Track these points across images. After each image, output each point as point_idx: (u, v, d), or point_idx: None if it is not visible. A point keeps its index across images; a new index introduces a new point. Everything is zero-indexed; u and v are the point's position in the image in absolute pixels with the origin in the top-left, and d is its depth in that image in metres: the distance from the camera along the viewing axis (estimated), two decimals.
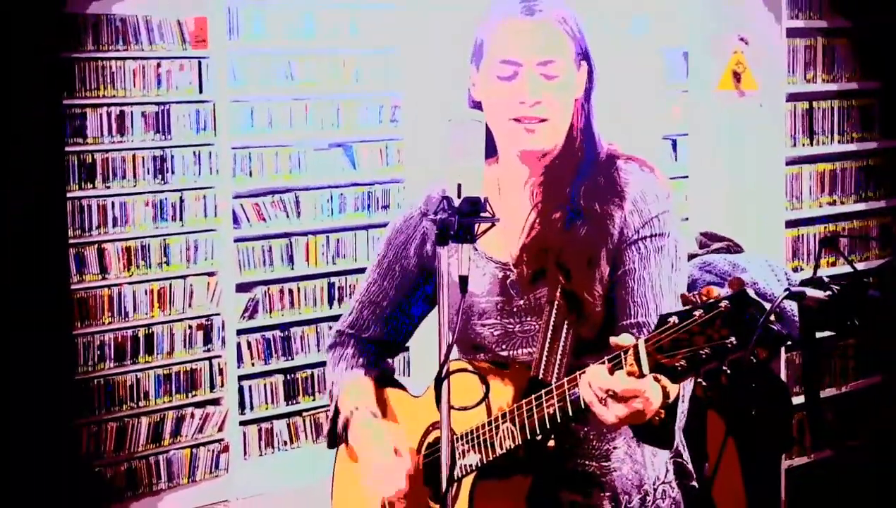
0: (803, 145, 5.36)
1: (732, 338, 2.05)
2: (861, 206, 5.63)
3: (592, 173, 2.64)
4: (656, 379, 2.22)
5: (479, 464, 2.54)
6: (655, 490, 2.72)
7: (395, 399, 2.91)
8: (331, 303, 7.42)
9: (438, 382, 2.38)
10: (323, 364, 7.04)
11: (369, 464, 2.75)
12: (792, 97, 5.31)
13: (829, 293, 1.92)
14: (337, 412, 2.91)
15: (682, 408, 2.46)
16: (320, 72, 7.37)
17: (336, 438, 2.93)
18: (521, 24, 2.60)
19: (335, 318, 7.11)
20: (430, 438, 2.74)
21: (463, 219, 2.35)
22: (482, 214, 2.37)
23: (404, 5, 6.71)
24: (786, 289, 1.89)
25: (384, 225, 7.30)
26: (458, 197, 2.37)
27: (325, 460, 7.05)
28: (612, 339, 2.26)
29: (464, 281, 2.36)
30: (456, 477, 2.59)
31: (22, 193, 5.76)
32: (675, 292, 2.58)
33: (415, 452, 2.75)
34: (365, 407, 2.83)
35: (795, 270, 5.26)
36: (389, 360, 3.02)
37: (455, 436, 2.63)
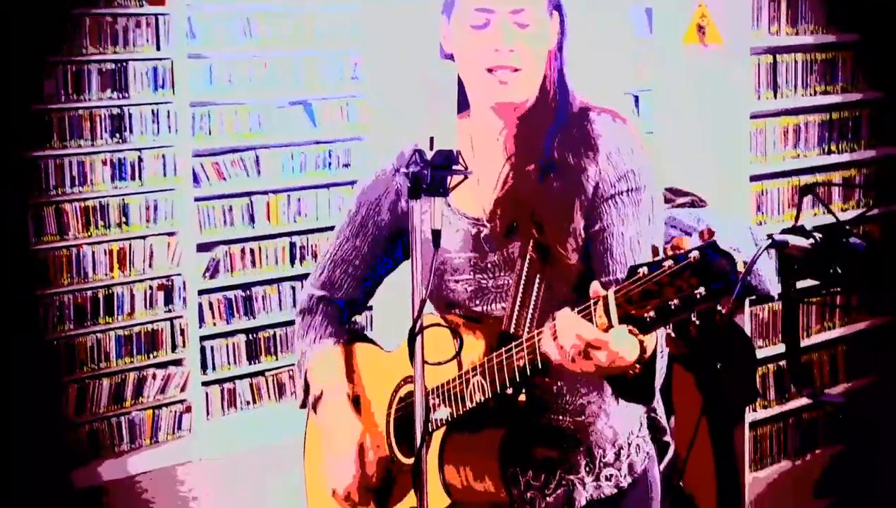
0: (767, 99, 5.34)
1: (701, 289, 2.02)
2: (824, 160, 5.62)
3: (566, 126, 2.61)
4: (632, 333, 2.19)
5: (450, 418, 2.51)
6: (629, 444, 2.71)
7: (366, 354, 2.89)
8: (292, 263, 7.38)
9: (412, 337, 2.35)
10: (285, 324, 7.21)
11: (330, 455, 2.78)
12: (756, 51, 5.29)
13: (811, 241, 1.89)
14: (307, 385, 2.91)
15: (661, 365, 2.44)
16: (280, 29, 7.29)
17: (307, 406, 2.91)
18: None
19: (297, 278, 7.26)
20: (402, 392, 2.72)
21: (435, 172, 2.32)
22: (455, 167, 2.34)
23: None
24: (769, 237, 1.86)
25: (346, 183, 7.41)
26: (431, 149, 2.33)
27: (288, 419, 7.09)
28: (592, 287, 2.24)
29: (436, 235, 2.33)
30: (428, 432, 2.58)
31: None
32: (652, 247, 2.56)
33: (378, 447, 2.75)
34: (335, 389, 2.83)
35: (759, 224, 5.25)
36: (357, 318, 2.99)
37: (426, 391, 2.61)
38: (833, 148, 5.65)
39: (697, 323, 2.09)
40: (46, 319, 6.37)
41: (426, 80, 2.38)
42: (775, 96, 5.38)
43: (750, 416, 5.29)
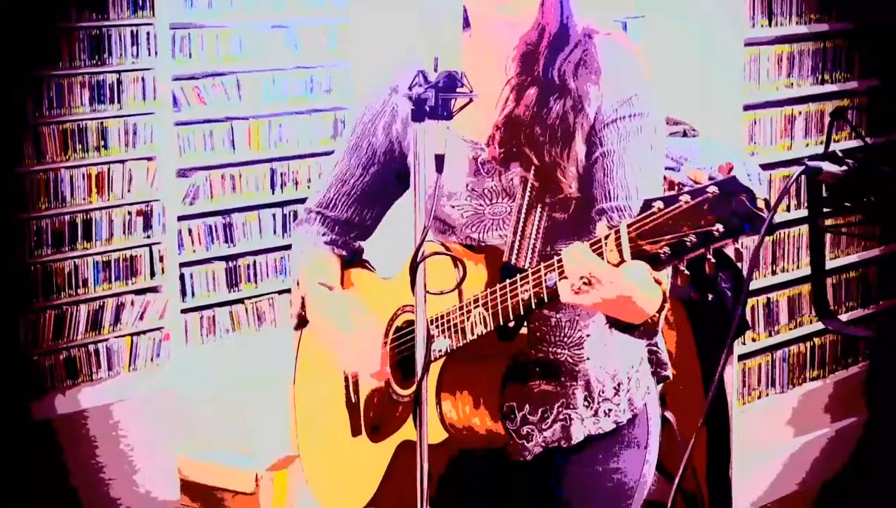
0: (762, 26, 5.25)
1: (719, 226, 1.94)
2: (818, 89, 5.55)
3: (568, 48, 2.52)
4: (657, 282, 2.12)
5: (449, 350, 2.44)
6: (629, 379, 2.64)
7: (363, 280, 2.81)
8: (273, 189, 7.30)
9: (413, 266, 2.26)
10: (266, 250, 7.13)
11: (334, 342, 2.66)
12: None
13: (844, 168, 1.81)
14: (298, 285, 2.81)
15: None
16: None
17: (300, 319, 2.81)
18: None
19: (278, 205, 7.19)
20: (399, 321, 2.64)
21: (440, 94, 2.23)
22: (459, 89, 2.25)
23: None
24: (802, 164, 1.78)
25: (327, 109, 7.30)
26: (435, 70, 2.24)
27: (267, 347, 7.02)
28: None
29: (440, 159, 2.24)
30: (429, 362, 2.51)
31: None
32: (655, 174, 2.49)
33: (380, 321, 2.65)
34: (324, 282, 2.73)
35: (752, 154, 5.18)
36: (358, 243, 2.90)
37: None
38: (827, 77, 5.56)
39: (713, 260, 2.01)
40: (22, 244, 6.28)
41: None
42: (770, 24, 5.28)
43: (739, 349, 5.24)
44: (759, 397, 5.44)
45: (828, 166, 1.86)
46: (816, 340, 5.67)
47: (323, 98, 7.45)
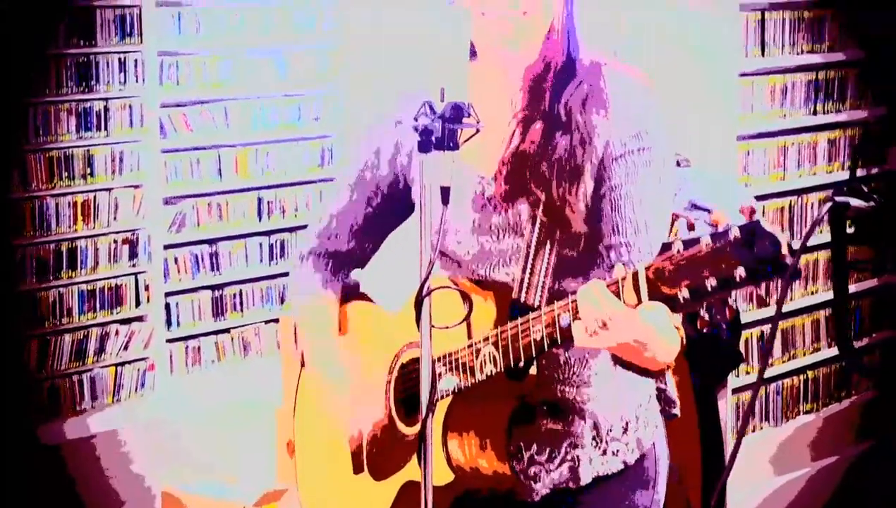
0: (755, 56, 5.23)
1: (741, 271, 1.89)
2: (810, 120, 5.53)
3: (574, 82, 2.48)
4: (677, 328, 2.07)
5: (457, 389, 2.39)
6: (637, 418, 2.60)
7: (364, 314, 2.76)
8: (260, 217, 7.23)
9: (419, 300, 2.21)
10: (252, 280, 7.05)
11: (335, 394, 2.65)
12: (744, 7, 5.18)
13: (872, 204, 1.76)
14: (297, 334, 2.78)
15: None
16: None
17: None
18: None
19: (265, 233, 7.12)
20: (404, 358, 2.59)
21: (446, 125, 2.18)
22: (466, 120, 2.20)
23: None
24: (829, 201, 1.73)
25: (315, 137, 7.24)
26: (442, 101, 2.19)
27: (253, 378, 6.95)
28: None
29: (446, 192, 2.20)
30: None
31: None
32: (664, 208, 2.44)
33: (382, 375, 2.61)
34: (321, 337, 2.72)
35: (745, 185, 5.15)
36: (358, 272, 2.85)
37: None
38: (819, 108, 5.54)
39: (734, 306, 1.97)
40: (8, 272, 6.21)
41: (436, 26, 2.23)
42: (762, 54, 5.26)
43: (732, 382, 5.20)
44: (754, 430, 5.40)
45: (855, 202, 1.81)
46: (810, 373, 5.65)
47: (311, 126, 7.40)
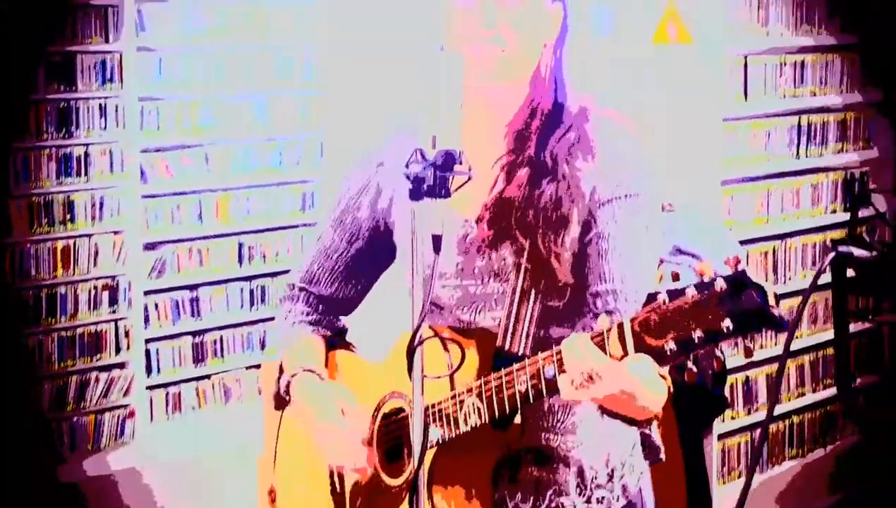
0: (737, 101, 5.24)
1: (728, 322, 1.87)
2: (794, 165, 5.54)
3: (561, 129, 2.47)
4: (663, 377, 2.05)
5: (441, 440, 2.36)
6: (623, 464, 2.58)
7: (348, 363, 2.73)
8: (241, 263, 7.19)
9: (411, 349, 2.18)
10: (233, 326, 7.00)
11: (319, 432, 2.59)
12: (727, 53, 5.18)
13: (874, 253, 1.75)
14: (282, 371, 2.73)
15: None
16: (232, 22, 7.06)
17: (281, 400, 2.73)
18: None
19: (246, 279, 7.08)
20: (386, 408, 2.57)
21: (438, 173, 2.16)
22: (458, 167, 2.18)
23: None
24: (832, 252, 1.72)
25: (297, 182, 7.21)
26: (433, 148, 2.17)
27: (234, 425, 6.89)
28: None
29: (437, 240, 2.17)
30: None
31: None
32: (651, 256, 2.43)
33: (366, 414, 2.57)
34: (309, 369, 2.66)
35: (729, 229, 5.15)
36: (342, 320, 2.82)
37: (412, 409, 2.46)
38: (802, 152, 5.55)
39: (722, 357, 1.95)
40: None
41: (427, 72, 2.22)
42: (745, 99, 5.27)
43: (718, 427, 5.18)
44: (739, 476, 5.37)
45: (858, 251, 1.79)
46: (795, 418, 5.63)
47: (292, 170, 7.37)
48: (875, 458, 5.36)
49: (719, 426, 5.20)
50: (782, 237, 5.50)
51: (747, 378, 5.35)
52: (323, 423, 2.56)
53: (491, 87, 2.45)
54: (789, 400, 5.56)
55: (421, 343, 2.18)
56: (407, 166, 2.19)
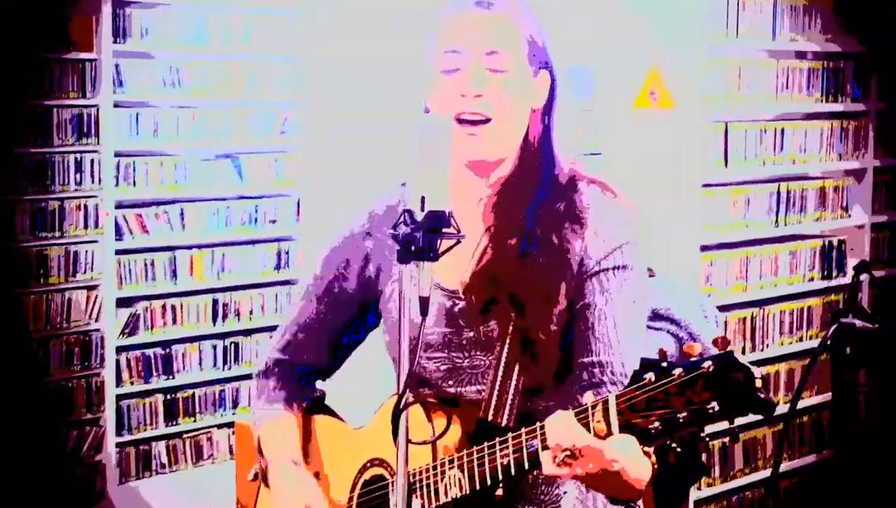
0: (718, 167, 5.24)
1: (715, 404, 1.84)
2: (773, 232, 5.54)
3: (551, 196, 2.45)
4: (647, 455, 2.02)
5: None
6: None
7: (328, 429, 2.69)
8: (214, 320, 7.13)
9: (396, 413, 2.14)
10: (206, 383, 6.94)
11: None
12: (709, 118, 5.18)
13: (875, 325, 1.72)
14: (260, 452, 2.71)
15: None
16: (209, 79, 7.05)
17: (263, 477, 2.70)
18: (470, 15, 2.43)
19: (219, 336, 7.02)
20: (367, 475, 2.53)
21: (427, 235, 2.13)
22: (446, 230, 2.15)
23: (301, 13, 6.48)
24: (835, 323, 1.69)
25: (272, 240, 7.18)
26: (422, 210, 2.14)
27: (205, 483, 6.82)
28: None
29: (425, 302, 2.14)
30: None
31: None
32: (638, 329, 2.41)
33: (345, 492, 2.56)
34: (284, 455, 2.65)
35: (708, 295, 5.13)
36: (320, 385, 2.79)
37: (393, 478, 2.42)
38: (780, 220, 5.55)
39: (706, 439, 1.92)
40: None
41: (416, 134, 2.19)
42: (726, 165, 5.27)
43: (694, 494, 5.14)
44: None
45: (859, 323, 1.77)
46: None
47: (267, 229, 7.33)
48: None
49: (695, 493, 5.15)
50: (760, 304, 5.48)
51: (724, 444, 5.31)
52: None
53: (477, 160, 2.43)
54: (765, 467, 5.52)
55: (407, 407, 2.14)
56: (395, 228, 2.16)
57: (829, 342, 1.69)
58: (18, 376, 6.14)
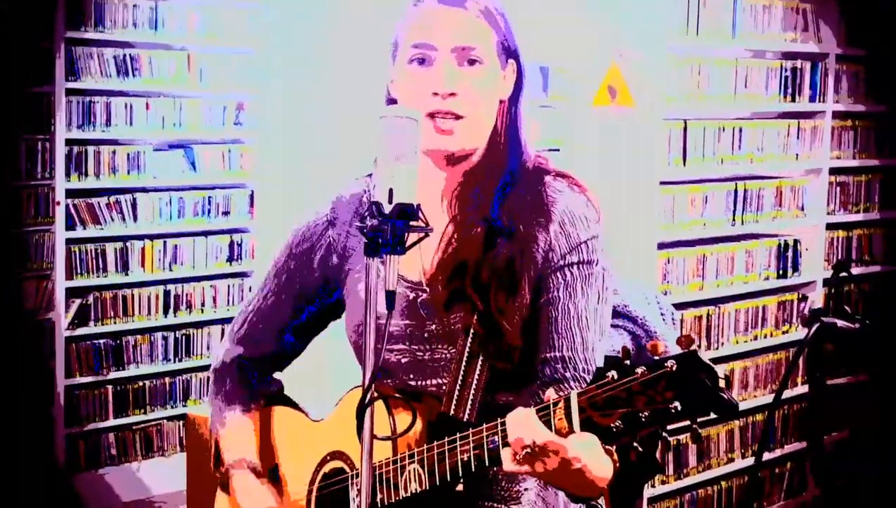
0: (676, 165, 5.23)
1: (677, 404, 1.83)
2: (729, 230, 5.54)
3: (517, 187, 2.42)
4: (609, 453, 1.99)
5: (380, 505, 2.30)
6: None
7: (287, 421, 2.67)
8: (166, 312, 7.07)
9: (361, 407, 2.11)
10: (157, 375, 6.88)
11: None
12: (668, 115, 5.18)
13: (857, 325, 1.71)
14: (217, 453, 2.70)
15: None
16: (163, 69, 6.98)
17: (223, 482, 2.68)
18: (438, 10, 2.39)
19: (171, 328, 6.95)
20: (327, 468, 2.50)
21: (395, 228, 2.09)
22: (414, 223, 2.12)
23: (257, 3, 6.44)
24: (816, 323, 1.67)
25: (224, 231, 7.13)
26: (390, 202, 2.11)
27: (153, 476, 6.76)
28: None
29: (391, 296, 2.11)
30: None
31: None
32: (602, 326, 2.38)
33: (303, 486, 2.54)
34: (242, 463, 2.64)
35: (665, 293, 5.13)
36: (278, 376, 2.75)
37: (353, 472, 2.39)
38: (738, 219, 5.56)
39: (668, 438, 1.90)
40: None
41: (380, 126, 2.16)
42: (684, 163, 5.26)
43: (648, 491, 5.14)
44: None
45: (842, 323, 1.75)
46: (724, 483, 5.61)
47: (220, 220, 7.27)
48: None
49: (649, 490, 5.16)
50: (716, 302, 5.49)
51: (678, 441, 5.32)
52: None
53: (448, 152, 2.40)
54: (719, 465, 5.53)
55: (372, 402, 2.11)
56: (362, 221, 2.12)
57: (809, 342, 1.67)
58: None
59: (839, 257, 5.97)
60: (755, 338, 5.66)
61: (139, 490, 6.62)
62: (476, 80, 2.37)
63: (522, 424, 2.02)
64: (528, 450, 2.01)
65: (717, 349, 5.44)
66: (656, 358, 1.86)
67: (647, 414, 1.86)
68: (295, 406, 2.71)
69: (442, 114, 2.35)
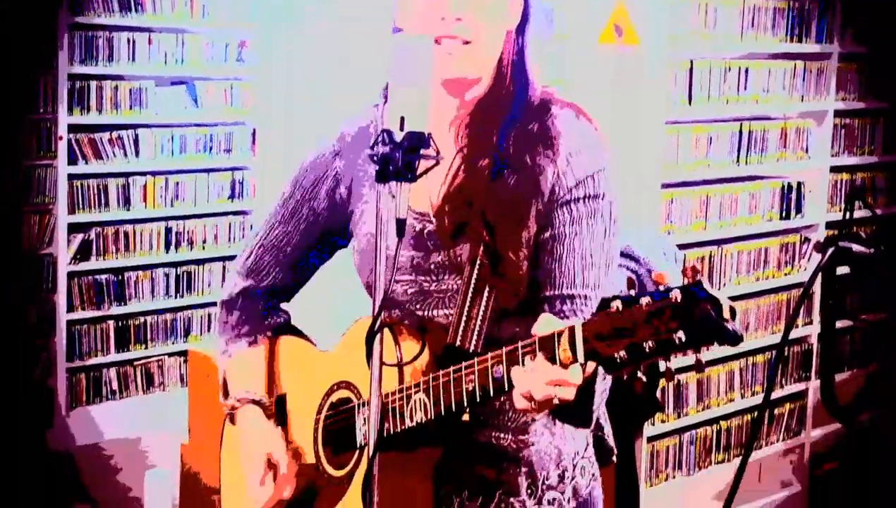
0: (682, 104, 5.21)
1: (681, 334, 1.82)
2: (733, 171, 5.53)
3: (524, 118, 2.39)
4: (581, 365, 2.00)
5: (385, 434, 2.29)
6: (574, 465, 2.52)
7: (294, 351, 2.67)
8: (167, 248, 7.08)
9: (371, 334, 2.11)
10: (158, 311, 6.89)
11: (247, 467, 2.61)
12: (674, 55, 5.15)
13: (872, 249, 1.70)
14: (225, 386, 2.71)
15: (604, 386, 2.23)
16: (166, 4, 6.95)
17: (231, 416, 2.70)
18: None
19: (172, 265, 6.97)
20: (334, 398, 2.50)
21: (405, 155, 2.08)
22: (425, 151, 2.11)
23: None
24: (832, 246, 1.66)
25: (226, 169, 7.12)
26: (401, 130, 2.10)
27: (156, 411, 6.80)
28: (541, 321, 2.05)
29: (401, 224, 2.10)
30: (358, 445, 2.40)
31: None
32: (608, 262, 2.36)
33: (292, 459, 2.58)
34: (249, 398, 2.65)
35: (668, 233, 5.12)
36: (286, 306, 2.75)
37: (360, 401, 2.39)
38: (742, 160, 5.54)
39: (672, 369, 1.89)
40: None
41: (390, 54, 2.14)
42: (689, 103, 5.24)
43: (648, 430, 5.16)
44: (667, 479, 5.35)
45: (857, 247, 1.75)
46: (723, 423, 5.62)
47: (222, 157, 7.26)
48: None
49: (649, 429, 5.17)
50: (719, 243, 5.48)
51: (679, 381, 5.33)
52: (245, 471, 2.59)
53: (454, 78, 2.38)
54: (718, 405, 5.55)
55: (381, 328, 2.11)
56: (373, 148, 2.11)
57: (825, 265, 1.66)
58: None
59: (842, 199, 5.96)
60: (757, 280, 5.66)
61: (140, 424, 6.64)
62: (482, 7, 2.34)
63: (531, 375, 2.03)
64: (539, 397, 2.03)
65: (718, 290, 5.41)
66: (661, 288, 1.85)
67: (651, 344, 1.85)
68: (303, 336, 2.71)
69: (449, 39, 2.33)
